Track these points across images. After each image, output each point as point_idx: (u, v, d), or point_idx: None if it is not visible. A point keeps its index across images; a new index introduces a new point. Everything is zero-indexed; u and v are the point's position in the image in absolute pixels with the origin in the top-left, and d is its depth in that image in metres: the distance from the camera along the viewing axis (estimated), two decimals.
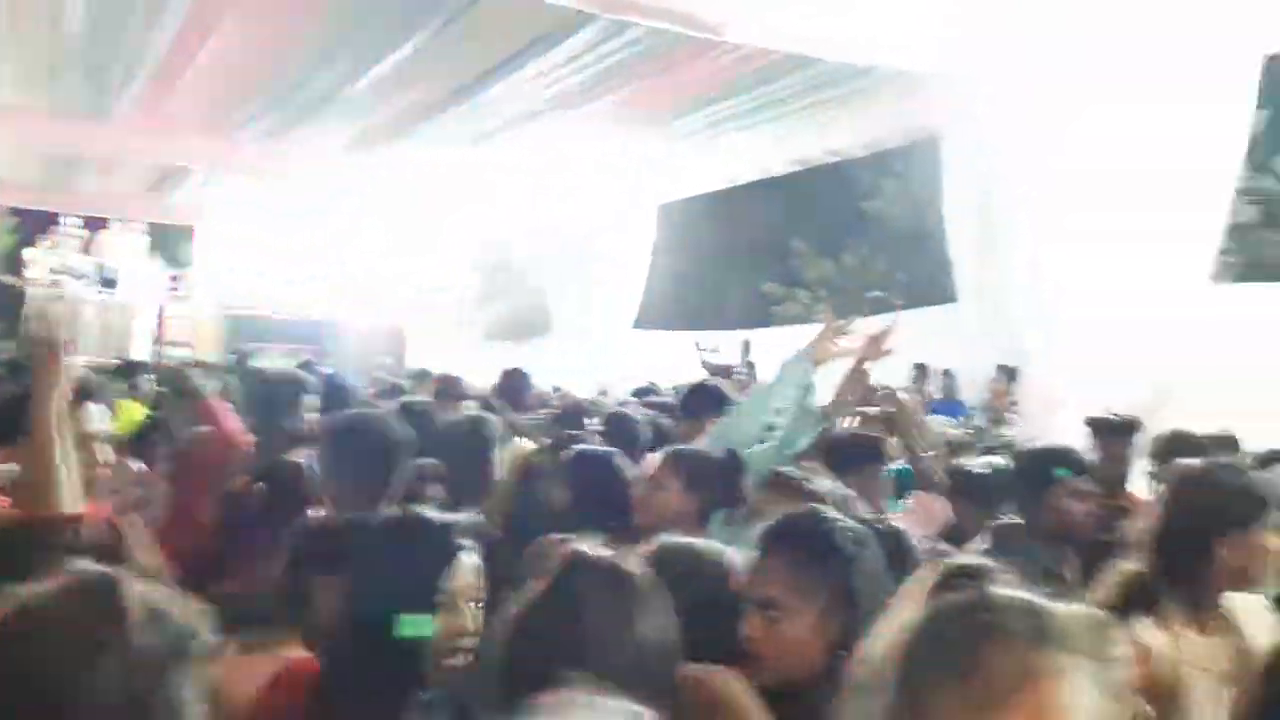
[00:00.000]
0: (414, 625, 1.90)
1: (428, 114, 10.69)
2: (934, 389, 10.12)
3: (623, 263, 14.56)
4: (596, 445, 3.95)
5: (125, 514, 2.99)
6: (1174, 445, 4.22)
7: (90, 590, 1.26)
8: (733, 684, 1.82)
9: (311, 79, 9.81)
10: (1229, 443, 4.54)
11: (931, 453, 4.55)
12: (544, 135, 11.10)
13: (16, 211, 15.29)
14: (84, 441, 2.85)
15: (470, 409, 5.32)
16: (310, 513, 3.00)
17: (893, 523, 2.56)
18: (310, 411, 4.33)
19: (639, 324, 14.31)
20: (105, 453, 3.13)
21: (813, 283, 13.25)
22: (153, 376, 7.65)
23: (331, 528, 2.61)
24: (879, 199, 18.68)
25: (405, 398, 5.72)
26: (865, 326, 3.99)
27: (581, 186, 13.10)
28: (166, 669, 1.22)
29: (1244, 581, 2.52)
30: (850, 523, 2.08)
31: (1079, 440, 4.27)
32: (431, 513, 2.11)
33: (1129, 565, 2.62)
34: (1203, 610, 2.49)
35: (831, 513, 2.10)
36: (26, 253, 15.43)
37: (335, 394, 5.09)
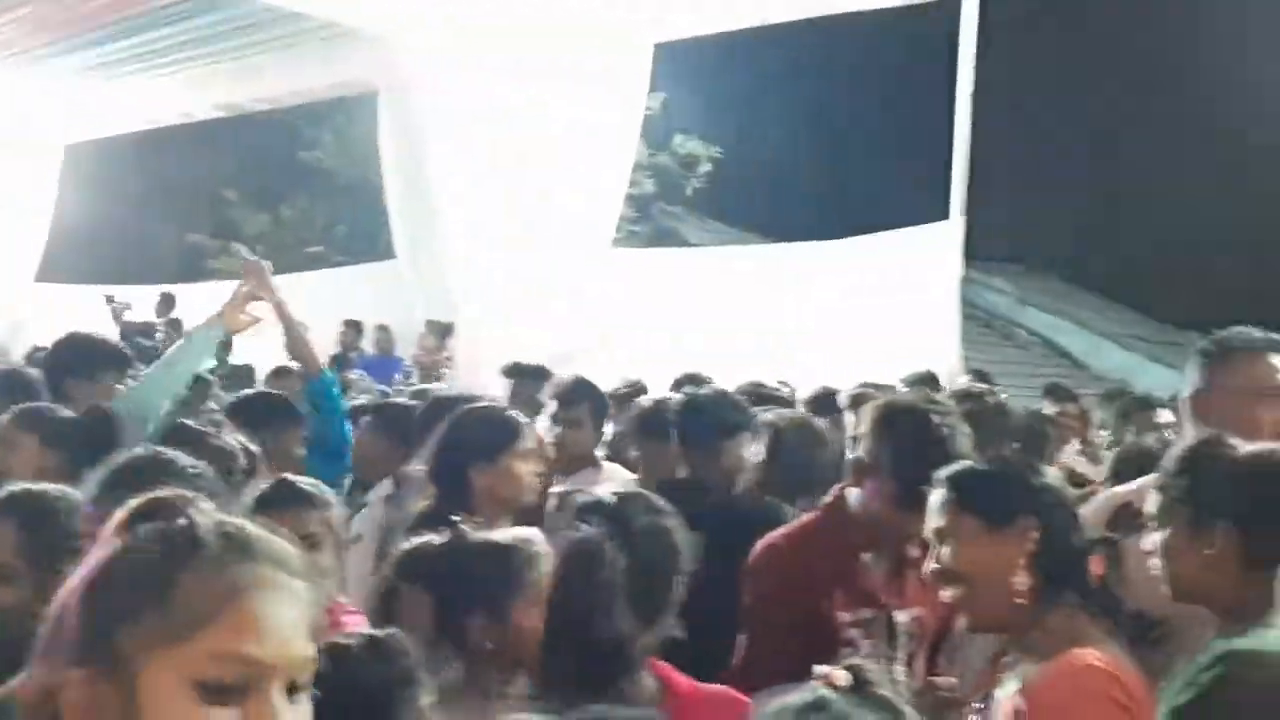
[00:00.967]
0: None
1: None
2: (369, 345, 10.16)
3: (23, 209, 12.88)
4: None
5: None
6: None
7: None
8: None
9: None
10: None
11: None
12: None
13: None
14: None
15: None
16: None
17: None
18: None
19: (43, 277, 12.80)
20: None
21: (249, 237, 12.65)
22: None
23: None
24: (318, 150, 18.36)
25: None
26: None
27: None
28: None
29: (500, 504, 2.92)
30: None
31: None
32: None
33: None
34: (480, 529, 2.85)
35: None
36: None
37: None
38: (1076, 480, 4.05)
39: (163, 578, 1.07)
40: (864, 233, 8.07)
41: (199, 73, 10.09)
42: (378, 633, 1.67)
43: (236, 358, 4.22)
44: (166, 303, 10.94)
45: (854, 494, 2.65)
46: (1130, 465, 3.51)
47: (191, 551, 1.08)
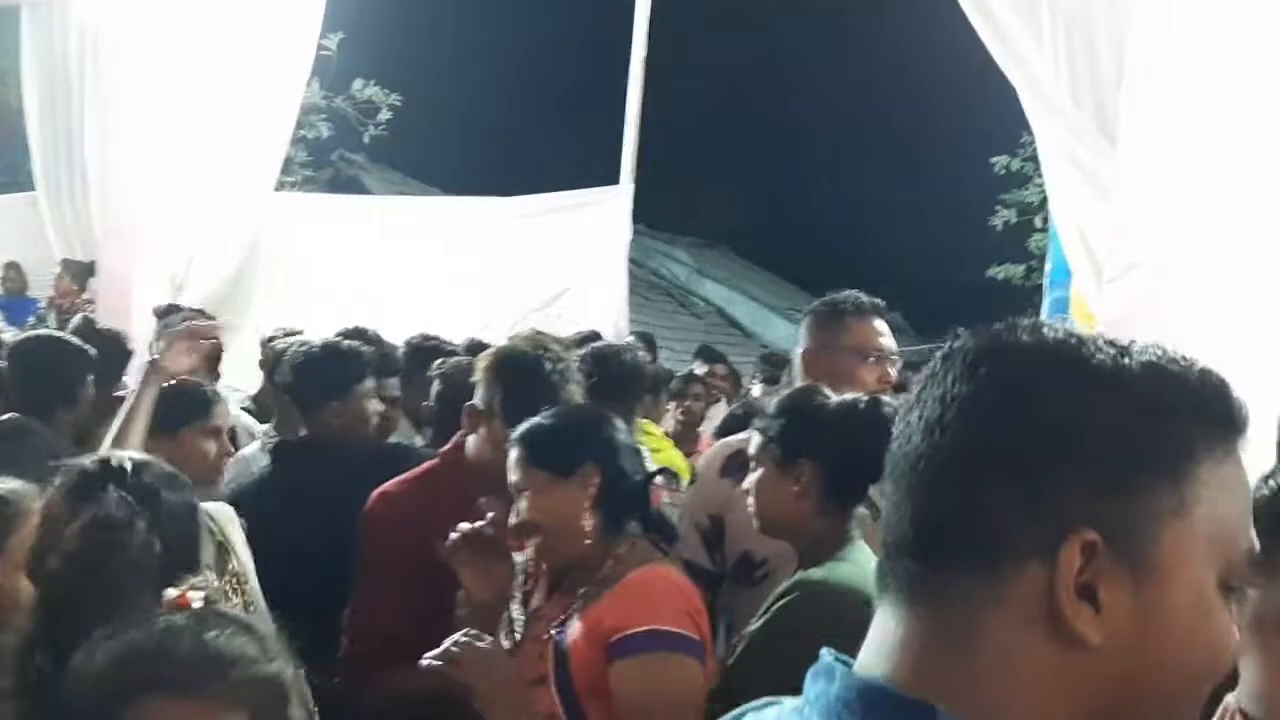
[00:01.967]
0: None
1: None
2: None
3: None
4: None
5: None
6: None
7: None
8: None
9: None
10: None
11: None
12: None
13: None
14: None
15: None
16: None
17: None
18: None
19: None
20: None
21: None
22: None
23: None
24: None
25: None
26: None
27: None
28: None
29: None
30: None
31: None
32: None
33: None
34: None
35: None
36: None
37: None
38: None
39: None
40: (539, 191, 8.09)
41: None
42: None
43: None
44: None
45: (471, 440, 2.65)
46: (738, 420, 3.87)
47: None
